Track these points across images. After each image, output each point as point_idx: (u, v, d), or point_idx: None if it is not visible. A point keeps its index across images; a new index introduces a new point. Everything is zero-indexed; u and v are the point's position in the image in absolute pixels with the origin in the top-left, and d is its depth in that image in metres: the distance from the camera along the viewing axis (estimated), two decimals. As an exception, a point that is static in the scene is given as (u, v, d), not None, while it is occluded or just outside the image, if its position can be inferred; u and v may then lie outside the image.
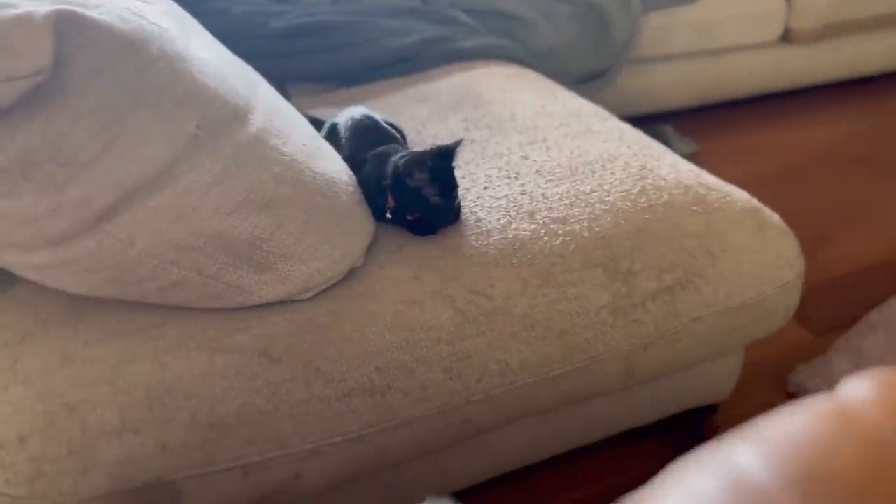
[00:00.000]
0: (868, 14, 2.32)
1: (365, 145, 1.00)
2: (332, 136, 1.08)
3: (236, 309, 0.79)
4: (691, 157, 2.03)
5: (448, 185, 0.90)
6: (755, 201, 1.05)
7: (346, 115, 1.09)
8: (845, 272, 1.57)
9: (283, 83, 1.33)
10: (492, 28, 1.81)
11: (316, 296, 0.82)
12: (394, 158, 0.90)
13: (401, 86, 1.52)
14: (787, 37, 2.28)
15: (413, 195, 0.88)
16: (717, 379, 1.13)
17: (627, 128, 1.25)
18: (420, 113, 1.33)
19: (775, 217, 1.04)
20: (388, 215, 0.92)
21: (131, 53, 0.72)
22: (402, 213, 0.91)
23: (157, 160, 0.71)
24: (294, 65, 1.58)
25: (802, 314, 1.23)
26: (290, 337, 0.77)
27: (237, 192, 0.75)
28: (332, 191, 0.86)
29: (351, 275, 0.85)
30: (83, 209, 0.69)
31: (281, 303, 0.80)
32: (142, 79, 0.72)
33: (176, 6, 0.99)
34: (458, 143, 0.90)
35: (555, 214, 0.96)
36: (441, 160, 0.89)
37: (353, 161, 0.98)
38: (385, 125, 1.07)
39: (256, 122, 0.82)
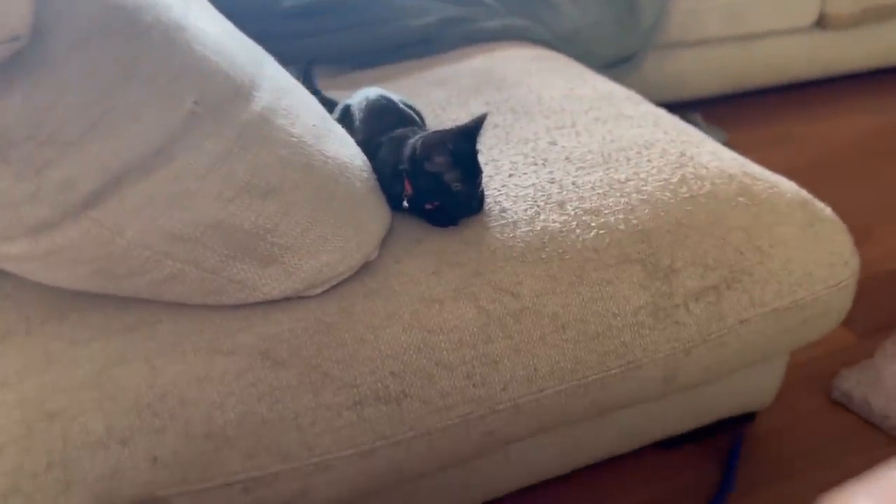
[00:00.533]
0: (907, -2, 2.21)
1: (381, 128, 0.92)
2: (346, 118, 1.00)
3: (237, 306, 0.71)
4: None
5: (471, 171, 0.82)
6: (804, 192, 0.97)
7: (360, 97, 1.02)
8: (888, 269, 1.48)
9: (310, 66, 1.24)
10: (514, 9, 1.72)
11: (325, 292, 0.74)
12: (411, 140, 0.82)
13: (418, 68, 1.44)
14: (821, 22, 2.17)
15: (432, 181, 0.80)
16: (759, 385, 1.05)
17: (663, 113, 1.17)
18: (438, 97, 1.25)
19: (827, 210, 0.95)
20: (406, 204, 0.84)
21: (121, 21, 0.64)
22: (421, 201, 0.83)
23: (149, 140, 0.63)
24: (306, 45, 1.50)
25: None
26: (297, 338, 0.69)
27: (239, 176, 0.68)
28: (345, 177, 0.78)
29: (364, 269, 0.77)
30: (66, 194, 0.61)
31: (287, 300, 0.73)
32: (133, 49, 0.64)
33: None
34: (481, 121, 0.82)
35: (587, 205, 0.88)
36: (463, 141, 0.81)
37: (367, 145, 0.91)
38: (403, 107, 0.99)
39: (262, 99, 0.74)
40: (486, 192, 0.90)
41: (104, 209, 0.63)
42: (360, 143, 0.91)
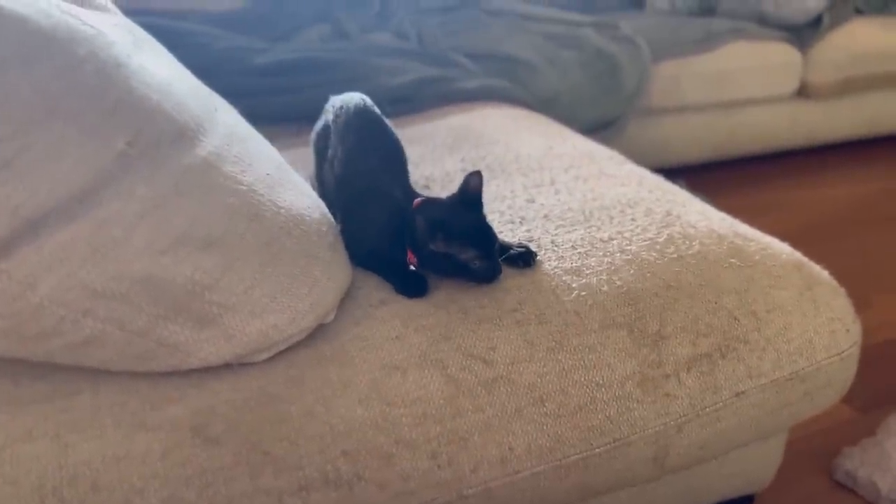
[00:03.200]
0: (889, 69, 2.21)
1: (365, 141, 0.86)
2: (324, 135, 0.94)
3: (169, 374, 0.63)
4: (707, 213, 1.89)
5: (485, 241, 0.74)
6: (799, 254, 0.91)
7: (335, 106, 0.95)
8: (888, 340, 1.41)
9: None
10: (494, 72, 1.69)
11: (272, 358, 0.66)
12: (416, 217, 0.73)
13: (394, 126, 1.38)
14: (803, 91, 2.17)
15: (446, 261, 0.73)
16: (757, 465, 0.96)
17: (646, 172, 1.12)
18: (413, 153, 1.18)
19: (824, 273, 0.89)
20: (412, 267, 0.77)
21: (49, 52, 0.58)
22: (431, 269, 0.76)
23: (72, 182, 0.56)
24: (279, 103, 1.44)
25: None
26: (235, 411, 0.61)
27: (175, 225, 0.60)
28: (299, 229, 0.71)
29: (318, 333, 0.69)
30: (-31, 240, 0.53)
31: (227, 367, 0.64)
32: (61, 82, 0.57)
33: (133, 24, 0.86)
34: (478, 183, 0.75)
35: (567, 265, 0.81)
36: (467, 211, 0.74)
37: (351, 160, 0.84)
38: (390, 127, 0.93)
39: (209, 145, 0.67)
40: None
41: (15, 260, 0.55)
42: (338, 177, 0.84)
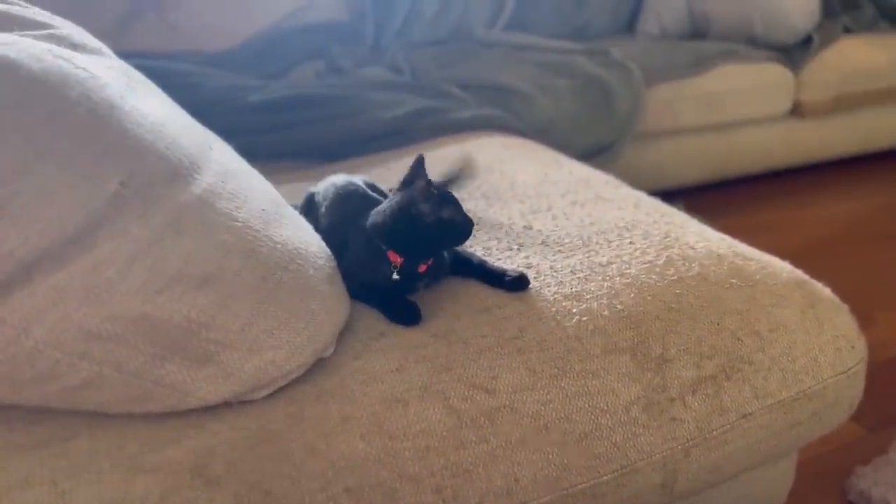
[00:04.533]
0: (879, 86, 2.23)
1: (348, 214, 0.86)
2: (310, 206, 0.94)
3: (167, 415, 0.62)
4: (706, 234, 1.89)
5: (445, 197, 0.76)
6: (800, 272, 0.90)
7: (326, 184, 0.96)
8: (888, 358, 1.40)
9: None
10: (489, 102, 1.70)
11: (271, 395, 0.65)
12: (371, 219, 0.76)
13: (389, 159, 1.39)
14: (797, 110, 2.18)
15: (416, 229, 0.74)
16: (769, 487, 0.95)
17: (643, 195, 1.12)
18: (409, 185, 1.19)
19: (826, 291, 0.88)
20: (397, 276, 0.76)
21: (41, 96, 0.58)
22: (415, 261, 0.77)
23: (66, 225, 0.56)
24: (275, 140, 1.45)
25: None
26: (235, 450, 0.60)
27: (170, 264, 0.60)
28: (296, 263, 0.70)
29: (317, 367, 0.68)
30: (-37, 286, 0.53)
31: (226, 405, 0.63)
32: (53, 126, 0.58)
33: (128, 66, 0.87)
34: (418, 163, 0.78)
35: (567, 290, 0.80)
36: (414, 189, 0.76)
37: (333, 232, 0.84)
38: (372, 193, 0.92)
39: (204, 182, 0.67)
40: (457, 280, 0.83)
41: (9, 304, 0.54)
42: (324, 230, 0.84)
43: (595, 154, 1.86)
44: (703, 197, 2.16)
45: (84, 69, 0.66)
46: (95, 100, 0.62)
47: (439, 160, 1.31)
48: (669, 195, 2.12)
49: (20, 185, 0.54)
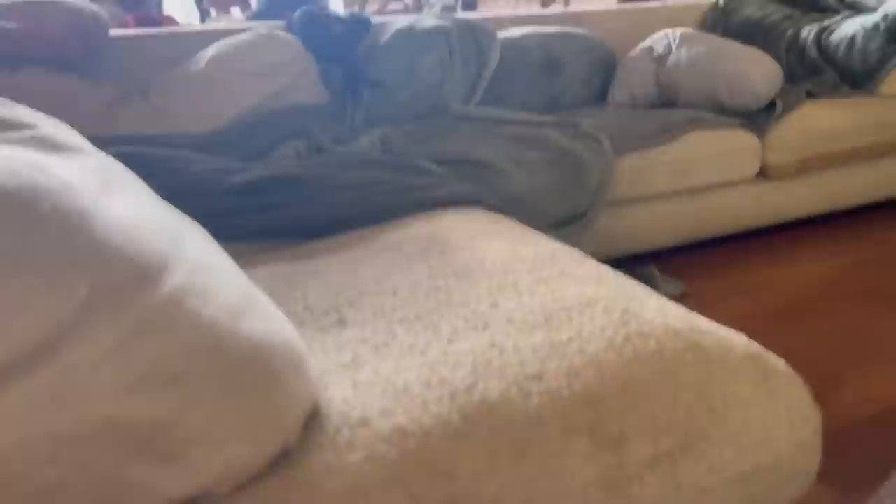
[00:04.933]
0: (842, 148, 2.31)
1: None
2: None
3: (133, 512, 0.64)
4: (680, 299, 1.94)
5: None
6: (756, 345, 0.93)
7: None
8: (863, 417, 1.42)
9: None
10: (462, 176, 1.76)
11: (238, 488, 0.67)
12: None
13: (365, 236, 1.43)
14: (764, 172, 2.25)
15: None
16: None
17: (606, 269, 1.15)
18: (382, 264, 1.23)
19: (780, 363, 0.91)
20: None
21: (14, 211, 0.62)
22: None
23: (34, 333, 0.59)
24: (255, 220, 1.50)
25: (821, 469, 1.07)
26: (199, 546, 0.61)
27: (137, 366, 0.63)
28: (261, 357, 0.73)
29: (282, 459, 0.70)
30: (-66, 398, 0.55)
31: (192, 501, 0.65)
32: (24, 239, 0.61)
33: (112, 162, 0.91)
34: None
35: (529, 370, 0.83)
36: None
37: None
38: None
39: (172, 280, 0.71)
40: (423, 362, 0.86)
41: (-20, 411, 0.57)
42: None
43: (569, 222, 1.91)
44: (677, 259, 2.20)
45: (58, 177, 0.70)
46: (66, 210, 0.66)
47: (414, 237, 1.36)
48: (644, 258, 2.18)
49: (-8, 297, 0.57)
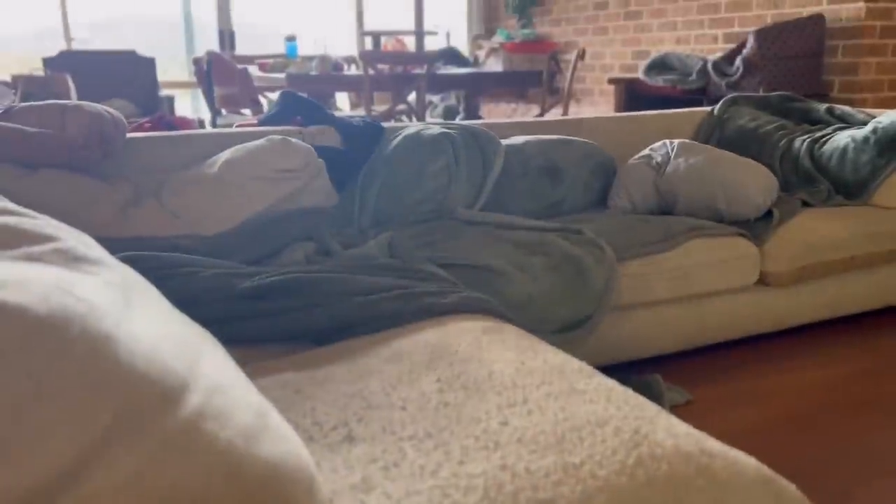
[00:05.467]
0: (839, 256, 2.35)
1: None
2: None
3: None
4: (684, 407, 1.93)
5: None
6: (766, 469, 0.93)
7: None
8: (876, 537, 1.40)
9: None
10: (467, 281, 1.79)
11: None
12: None
13: (374, 343, 1.44)
14: (764, 280, 2.28)
15: None
16: None
17: (614, 385, 1.16)
18: (391, 374, 1.24)
19: (791, 488, 0.91)
20: None
21: (44, 338, 0.63)
22: None
23: (58, 461, 0.59)
24: (263, 325, 1.51)
25: None
26: None
27: (157, 492, 0.63)
28: (277, 481, 0.73)
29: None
30: (-44, 527, 0.56)
31: None
32: (52, 366, 0.63)
33: (131, 274, 0.94)
34: None
35: (541, 496, 0.83)
36: None
37: None
38: None
39: (191, 403, 0.72)
40: (434, 485, 0.85)
41: (-2, 542, 0.57)
42: None
43: (573, 327, 1.92)
44: (679, 365, 2.21)
45: (85, 300, 0.72)
46: (93, 334, 0.68)
47: (422, 345, 1.37)
48: (646, 363, 2.19)
49: (18, 427, 0.58)
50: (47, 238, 0.96)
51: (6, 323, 0.61)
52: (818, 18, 3.98)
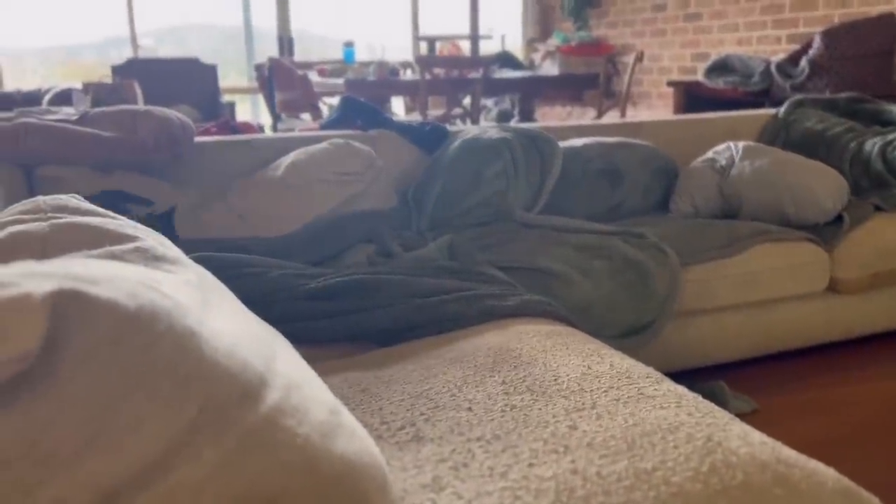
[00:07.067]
0: (915, 262, 2.26)
1: None
2: None
3: None
4: (750, 417, 1.88)
5: None
6: (846, 480, 0.90)
7: None
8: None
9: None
10: (526, 284, 1.78)
11: None
12: None
13: (437, 344, 1.45)
14: (834, 286, 2.21)
15: None
16: None
17: (684, 391, 1.14)
18: (455, 375, 1.24)
19: (874, 501, 0.88)
20: None
21: (134, 332, 0.65)
22: None
23: (146, 453, 0.61)
24: (329, 325, 1.53)
25: None
26: None
27: (238, 486, 0.64)
28: (352, 478, 0.74)
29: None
30: (53, 514, 0.58)
31: None
32: (142, 359, 0.64)
33: (205, 273, 0.97)
34: None
35: (613, 500, 0.82)
36: None
37: None
38: None
39: (270, 399, 0.73)
40: (505, 487, 0.85)
41: (91, 530, 0.59)
42: None
43: (635, 333, 1.89)
44: (745, 373, 2.15)
45: (170, 297, 0.74)
46: (179, 330, 0.69)
47: (485, 348, 1.37)
48: (710, 371, 2.14)
49: (112, 418, 0.60)
50: (128, 238, 1.00)
51: (100, 317, 0.63)
52: (888, 18, 3.85)
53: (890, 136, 2.68)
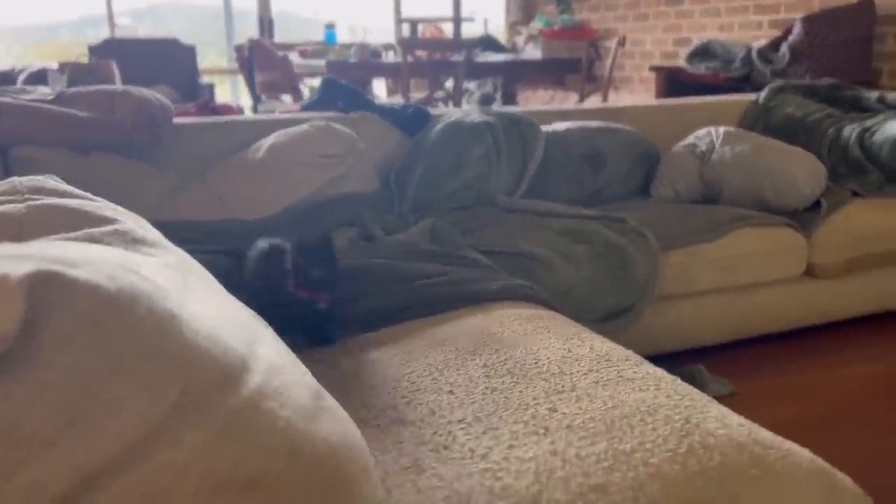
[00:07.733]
0: (889, 248, 2.30)
1: None
2: None
3: None
4: (728, 400, 1.91)
5: None
6: (820, 461, 0.92)
7: None
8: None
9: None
10: (508, 268, 1.78)
11: None
12: None
13: (418, 328, 1.45)
14: (811, 271, 2.24)
15: None
16: None
17: (663, 374, 1.15)
18: (437, 359, 1.24)
19: (848, 480, 0.90)
20: None
21: (114, 315, 0.65)
22: None
23: (127, 436, 0.61)
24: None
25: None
26: None
27: (220, 469, 0.64)
28: (334, 460, 0.74)
29: (352, 567, 0.70)
30: (33, 497, 0.57)
31: None
32: (122, 343, 0.64)
33: (186, 257, 0.96)
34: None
35: (592, 481, 0.83)
36: None
37: None
38: None
39: (251, 382, 0.73)
40: (485, 468, 0.86)
41: (72, 512, 0.58)
42: None
43: (615, 316, 1.91)
44: (723, 356, 2.18)
45: (150, 280, 0.74)
46: (159, 313, 0.69)
47: (467, 331, 1.37)
48: (689, 354, 2.16)
49: (93, 400, 0.60)
50: (107, 220, 0.98)
51: (79, 300, 0.63)
52: (868, 4, 3.88)
53: (868, 123, 2.71)
